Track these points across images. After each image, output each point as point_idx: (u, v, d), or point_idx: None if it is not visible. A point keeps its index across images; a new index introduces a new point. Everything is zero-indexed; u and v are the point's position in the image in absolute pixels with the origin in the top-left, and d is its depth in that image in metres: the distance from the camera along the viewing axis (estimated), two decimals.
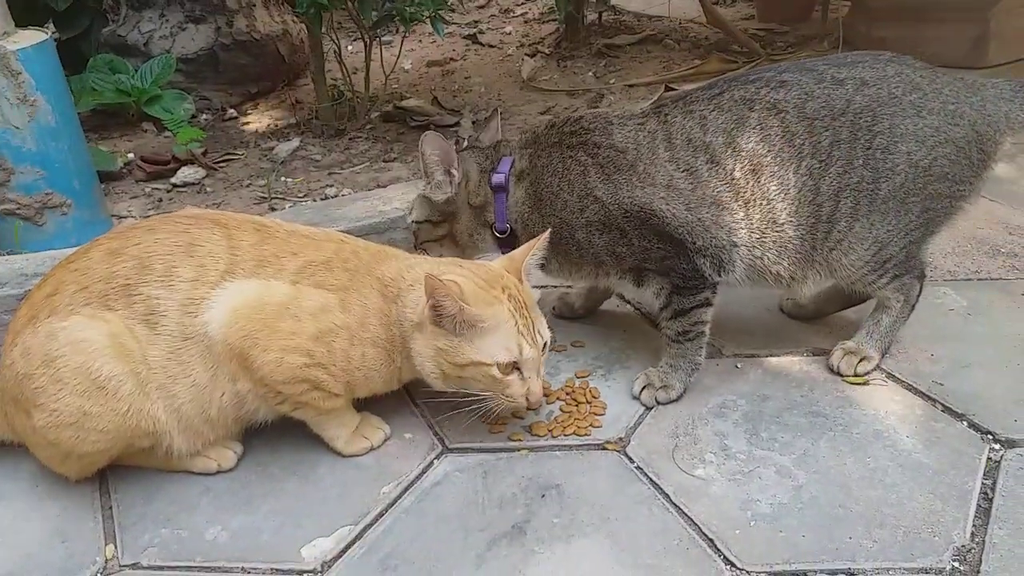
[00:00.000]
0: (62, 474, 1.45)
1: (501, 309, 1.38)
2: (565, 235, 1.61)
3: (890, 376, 1.69)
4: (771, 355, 1.76)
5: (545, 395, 1.67)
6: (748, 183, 1.53)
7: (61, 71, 2.15)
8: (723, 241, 1.56)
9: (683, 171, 1.54)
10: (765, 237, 1.55)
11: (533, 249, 1.49)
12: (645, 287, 1.63)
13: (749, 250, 1.57)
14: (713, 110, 1.55)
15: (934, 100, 1.53)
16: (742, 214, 1.54)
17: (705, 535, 1.34)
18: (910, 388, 1.65)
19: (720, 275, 1.59)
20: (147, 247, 1.38)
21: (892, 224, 1.55)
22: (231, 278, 1.37)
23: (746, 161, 1.52)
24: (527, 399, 1.42)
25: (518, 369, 1.41)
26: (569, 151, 1.61)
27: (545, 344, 1.46)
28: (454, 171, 1.67)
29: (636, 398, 1.64)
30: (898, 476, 1.44)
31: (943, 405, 1.60)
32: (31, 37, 2.07)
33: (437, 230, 1.73)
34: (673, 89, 3.02)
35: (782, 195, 1.53)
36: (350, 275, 1.44)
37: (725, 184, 1.53)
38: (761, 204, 1.53)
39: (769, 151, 1.52)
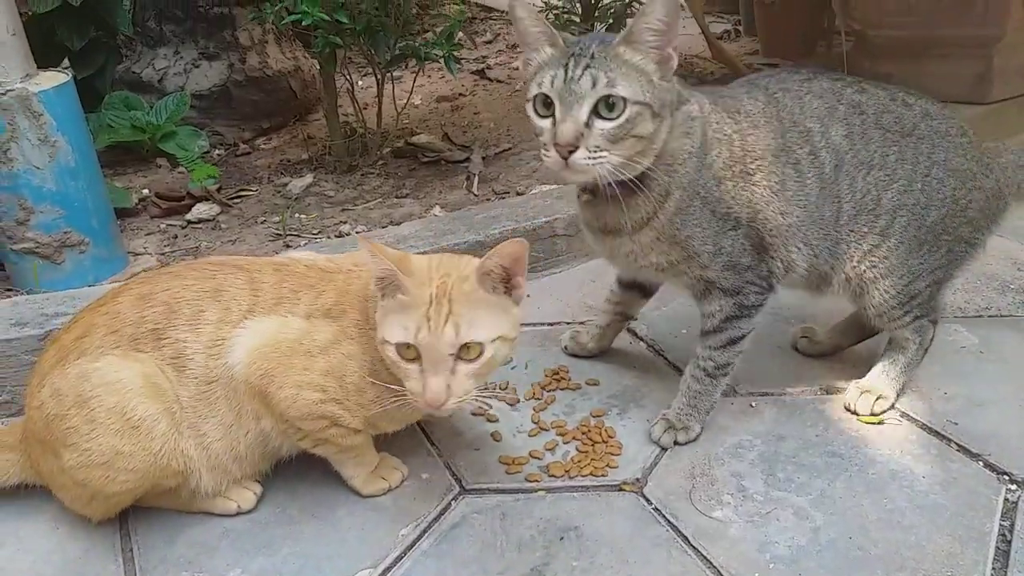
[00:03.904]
0: (85, 515, 1.46)
1: (424, 290, 1.28)
2: (692, 205, 1.49)
3: (904, 415, 1.69)
4: (784, 393, 1.77)
5: (561, 434, 1.68)
6: (832, 178, 1.54)
7: (81, 112, 2.18)
8: (800, 243, 1.56)
9: (791, 165, 1.53)
10: (827, 236, 1.57)
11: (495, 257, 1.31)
12: (706, 303, 1.60)
13: (813, 250, 1.57)
14: (807, 94, 1.57)
15: (975, 149, 1.62)
16: (821, 212, 1.55)
17: None
18: (925, 427, 1.66)
19: (786, 276, 1.60)
20: (175, 292, 1.40)
21: (924, 256, 1.60)
22: (252, 317, 1.39)
23: (834, 154, 1.54)
24: (422, 397, 1.28)
25: (419, 360, 1.28)
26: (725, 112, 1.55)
27: (466, 345, 1.27)
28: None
29: (655, 442, 1.64)
30: (916, 517, 1.44)
31: (958, 445, 1.60)
32: (52, 79, 2.11)
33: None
34: None
35: (849, 195, 1.55)
36: (352, 298, 1.44)
37: (817, 179, 1.54)
38: (833, 203, 1.55)
39: (851, 148, 1.55)
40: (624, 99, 1.34)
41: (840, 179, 1.54)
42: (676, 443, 1.63)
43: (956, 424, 1.66)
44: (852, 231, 1.57)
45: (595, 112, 1.34)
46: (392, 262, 1.29)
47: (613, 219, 1.50)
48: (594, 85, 1.33)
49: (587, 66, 1.34)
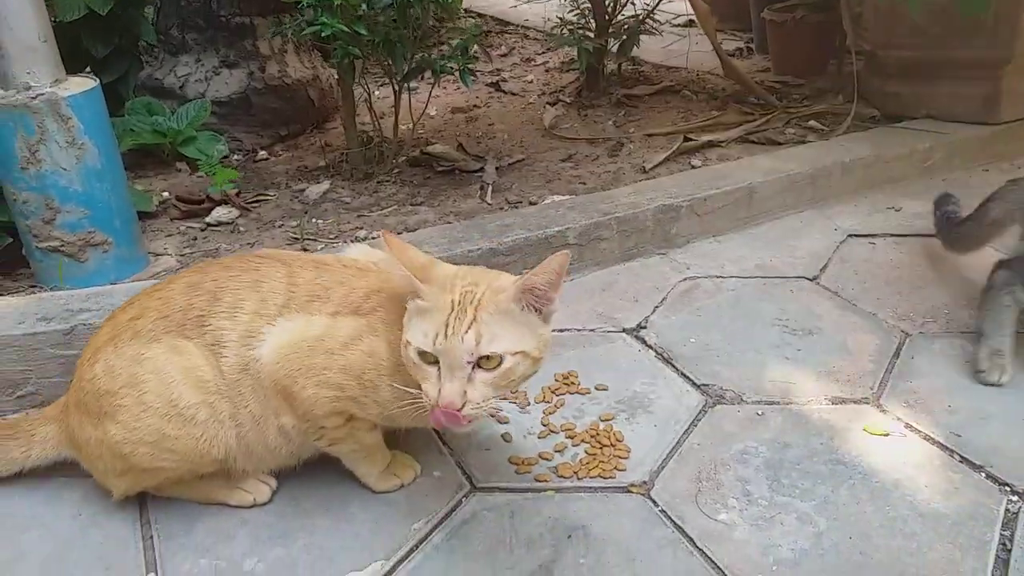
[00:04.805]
0: (107, 489, 1.51)
1: (445, 297, 1.30)
2: None
3: (909, 427, 1.72)
4: (791, 403, 1.81)
5: (570, 437, 1.72)
6: None
7: (107, 116, 2.24)
8: None
9: None
10: None
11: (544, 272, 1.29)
12: None
13: None
14: None
15: None
16: None
17: None
18: (928, 439, 1.69)
19: None
20: (221, 282, 1.46)
21: None
22: (286, 312, 1.43)
23: None
24: (437, 402, 1.27)
25: (438, 364, 1.29)
26: None
27: (486, 357, 1.27)
28: None
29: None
30: (917, 525, 1.47)
31: (961, 456, 1.63)
32: (81, 84, 2.17)
33: None
34: (691, 140, 3.10)
35: None
36: (384, 297, 1.45)
37: None
38: None
39: None
40: None
41: None
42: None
43: (959, 436, 1.69)
44: None
45: None
46: (410, 268, 1.32)
47: None
48: None
49: None
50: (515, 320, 1.31)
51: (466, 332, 1.26)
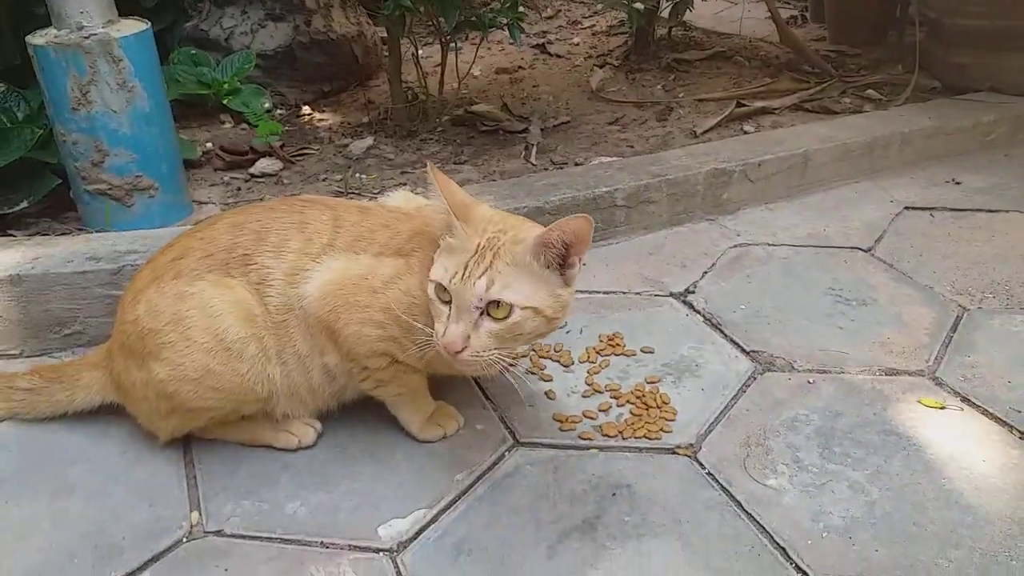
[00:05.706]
0: (153, 432, 1.52)
1: (473, 240, 1.30)
2: None
3: (965, 401, 1.67)
4: (843, 372, 1.76)
5: (615, 397, 1.69)
6: None
7: (157, 60, 2.23)
8: None
9: None
10: None
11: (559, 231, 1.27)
12: None
13: None
14: None
15: None
16: None
17: (777, 543, 1.35)
18: (986, 414, 1.63)
19: None
20: (266, 223, 1.46)
21: None
22: (330, 251, 1.43)
23: None
24: (440, 340, 1.29)
25: (449, 304, 1.29)
26: None
27: (496, 302, 1.26)
28: None
29: None
30: (973, 499, 1.43)
31: (1021, 432, 1.58)
32: (132, 26, 2.16)
33: None
34: (744, 105, 3.02)
35: None
36: (425, 239, 1.44)
37: None
38: None
39: None
40: None
41: None
42: None
43: (1019, 412, 1.63)
44: None
45: None
46: (451, 203, 1.32)
47: None
48: None
49: None
50: (532, 274, 1.30)
51: (480, 277, 1.27)
